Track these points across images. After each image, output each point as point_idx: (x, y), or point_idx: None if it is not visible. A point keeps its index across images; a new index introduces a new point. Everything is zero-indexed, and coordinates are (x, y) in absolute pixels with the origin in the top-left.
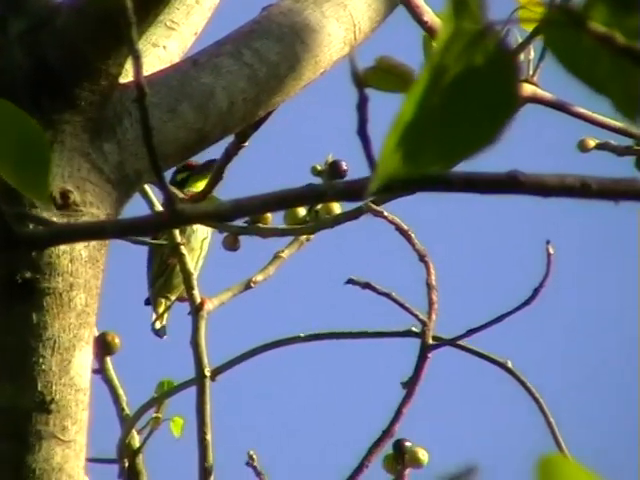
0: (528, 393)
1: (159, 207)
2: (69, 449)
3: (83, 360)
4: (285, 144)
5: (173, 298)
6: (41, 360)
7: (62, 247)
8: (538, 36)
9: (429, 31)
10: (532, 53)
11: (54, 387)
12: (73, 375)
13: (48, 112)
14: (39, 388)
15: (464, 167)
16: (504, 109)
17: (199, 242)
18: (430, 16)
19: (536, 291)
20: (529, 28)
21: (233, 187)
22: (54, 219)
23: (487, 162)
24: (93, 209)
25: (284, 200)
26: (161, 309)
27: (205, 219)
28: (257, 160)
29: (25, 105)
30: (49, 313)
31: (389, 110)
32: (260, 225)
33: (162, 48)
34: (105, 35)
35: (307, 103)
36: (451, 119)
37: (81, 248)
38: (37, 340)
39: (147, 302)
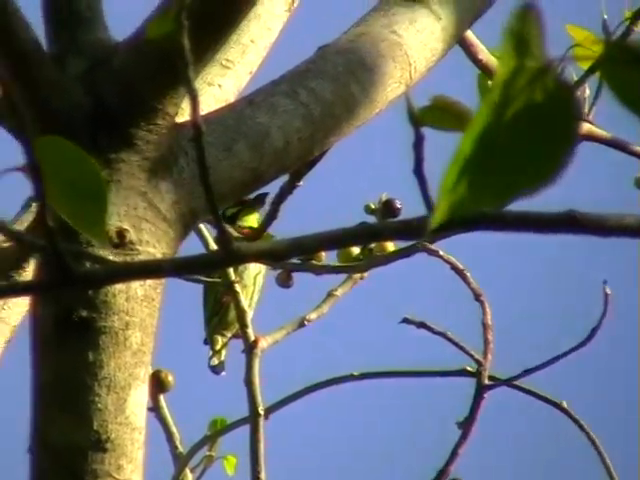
0: (584, 433)
1: (213, 245)
2: None
3: (138, 399)
4: (339, 182)
5: (229, 335)
6: (97, 399)
7: (118, 286)
8: (594, 74)
9: (484, 69)
10: (587, 91)
11: (110, 426)
12: (129, 414)
13: (105, 151)
14: (95, 427)
15: (522, 203)
16: (563, 145)
17: (252, 278)
18: (485, 54)
19: (593, 331)
20: (585, 66)
21: (288, 225)
22: (110, 257)
23: (544, 199)
24: (149, 248)
25: (339, 239)
26: (218, 346)
27: (260, 258)
28: (311, 198)
29: (83, 144)
30: (105, 352)
31: (445, 149)
32: (313, 262)
33: (217, 87)
34: (162, 74)
35: (362, 141)
36: (511, 155)
37: (137, 287)
38: (93, 378)
39: (206, 342)
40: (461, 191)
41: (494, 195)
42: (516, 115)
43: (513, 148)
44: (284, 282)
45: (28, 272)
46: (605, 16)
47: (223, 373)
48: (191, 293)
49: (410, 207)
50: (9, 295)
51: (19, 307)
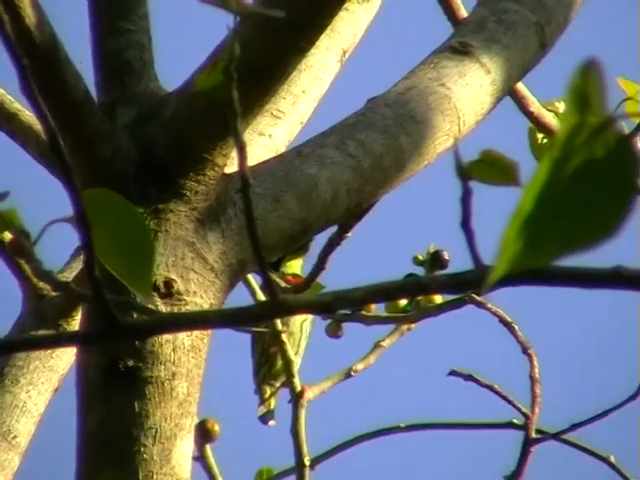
0: None
1: (260, 294)
2: None
3: (184, 449)
4: (387, 233)
5: (277, 385)
6: (142, 449)
7: (165, 336)
8: None
9: (535, 122)
10: (639, 145)
11: (155, 476)
12: (174, 464)
13: (154, 201)
14: (140, 477)
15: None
16: (622, 201)
17: (298, 325)
18: (536, 107)
19: None
20: (636, 120)
21: (336, 276)
22: (157, 308)
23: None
24: (196, 298)
25: (386, 292)
26: (266, 396)
27: (307, 310)
28: (360, 249)
29: (131, 194)
30: (151, 402)
31: (491, 203)
32: (364, 313)
33: (268, 137)
34: (212, 125)
35: (411, 194)
36: (570, 210)
37: (184, 337)
38: (139, 429)
39: (256, 392)
40: (522, 245)
41: (555, 250)
42: (576, 170)
43: (573, 203)
44: (334, 333)
45: (76, 320)
46: None
47: (272, 422)
48: (241, 341)
49: (458, 259)
50: (56, 345)
51: (67, 355)
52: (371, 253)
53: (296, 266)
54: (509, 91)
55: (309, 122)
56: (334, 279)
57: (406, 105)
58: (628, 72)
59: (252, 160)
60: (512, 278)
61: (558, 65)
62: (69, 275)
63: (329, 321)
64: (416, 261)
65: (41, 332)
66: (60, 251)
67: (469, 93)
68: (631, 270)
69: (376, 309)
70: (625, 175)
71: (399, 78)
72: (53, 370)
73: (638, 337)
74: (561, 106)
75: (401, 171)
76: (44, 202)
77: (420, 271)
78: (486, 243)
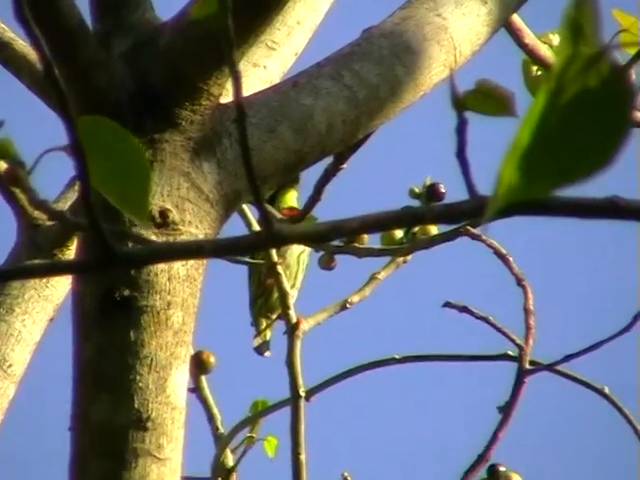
0: (625, 419)
1: (256, 226)
2: (165, 467)
3: (179, 378)
4: (383, 166)
5: (274, 317)
6: (138, 378)
7: (160, 265)
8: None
9: (530, 54)
10: (633, 77)
11: (150, 405)
12: (169, 393)
13: (149, 131)
14: (136, 405)
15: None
16: (617, 132)
17: (295, 258)
18: (531, 39)
19: (635, 317)
20: (631, 52)
21: (331, 208)
22: (153, 238)
23: (588, 185)
24: (192, 228)
25: (382, 222)
26: (262, 328)
27: (303, 240)
28: (355, 181)
29: (127, 123)
30: (146, 331)
31: (487, 134)
32: (356, 245)
33: (263, 68)
34: (207, 55)
35: (406, 125)
36: (565, 142)
37: (179, 266)
38: (134, 358)
39: (252, 324)
40: (517, 178)
41: (552, 181)
42: (570, 102)
43: (567, 135)
44: (327, 265)
45: (71, 250)
46: None
47: (267, 354)
48: (236, 274)
49: (456, 192)
50: (51, 274)
51: (62, 285)
52: (366, 186)
53: (291, 199)
54: (505, 22)
55: (303, 53)
56: (329, 211)
57: (402, 35)
58: (624, 5)
59: (247, 91)
60: (508, 209)
61: None
62: (64, 205)
63: (322, 253)
64: (412, 194)
65: (36, 261)
66: (55, 181)
67: (466, 23)
68: (627, 200)
69: (369, 241)
70: (619, 106)
71: (395, 8)
72: (48, 300)
73: (638, 268)
74: (555, 38)
75: (397, 102)
76: (39, 132)
77: (416, 204)
78: (482, 175)
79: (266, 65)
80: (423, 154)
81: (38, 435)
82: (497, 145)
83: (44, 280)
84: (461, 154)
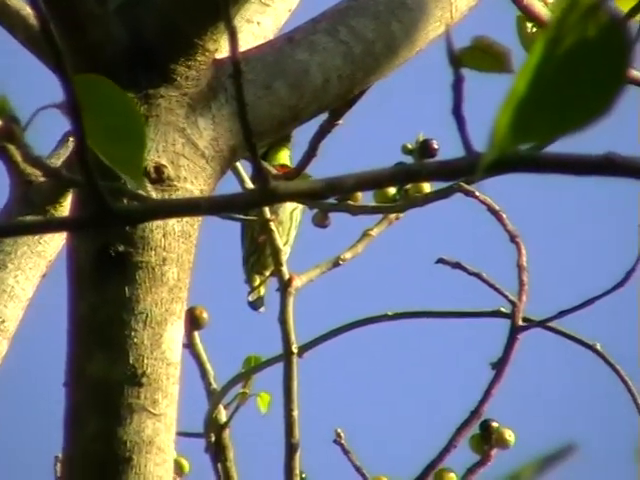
0: (617, 376)
1: (249, 184)
2: (160, 422)
3: (174, 334)
4: (378, 122)
5: (267, 274)
6: (133, 333)
7: (155, 222)
8: (635, 16)
9: (525, 11)
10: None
11: (145, 360)
12: (164, 349)
13: (144, 86)
14: (131, 361)
15: (561, 146)
16: (614, 82)
17: (288, 214)
18: None
19: (628, 274)
20: (625, 7)
21: (326, 164)
22: (148, 194)
23: (584, 143)
24: (187, 184)
25: (378, 179)
26: (255, 285)
27: (298, 197)
28: (350, 138)
29: (121, 79)
30: (141, 287)
31: (483, 90)
32: (350, 202)
33: (256, 24)
34: (202, 10)
35: (401, 81)
36: (564, 91)
37: (174, 223)
38: (129, 313)
39: (246, 281)
40: (512, 130)
41: (548, 131)
42: (567, 52)
43: (564, 85)
44: (321, 222)
45: (64, 207)
46: None
47: (262, 309)
48: (229, 230)
49: (447, 148)
50: (46, 231)
51: (55, 241)
52: (361, 142)
53: (283, 157)
54: None
55: (298, 10)
56: (323, 169)
57: None
58: None
59: (241, 47)
60: (502, 165)
61: None
62: (56, 162)
63: (315, 211)
64: (405, 150)
65: (29, 218)
66: (46, 138)
67: None
68: (623, 157)
69: (363, 199)
70: (617, 56)
71: None
72: (41, 256)
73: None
74: None
75: (393, 57)
76: (33, 88)
77: (409, 160)
78: (478, 132)
79: (260, 21)
80: (418, 110)
81: (32, 391)
82: (493, 102)
83: (37, 236)
84: (457, 111)
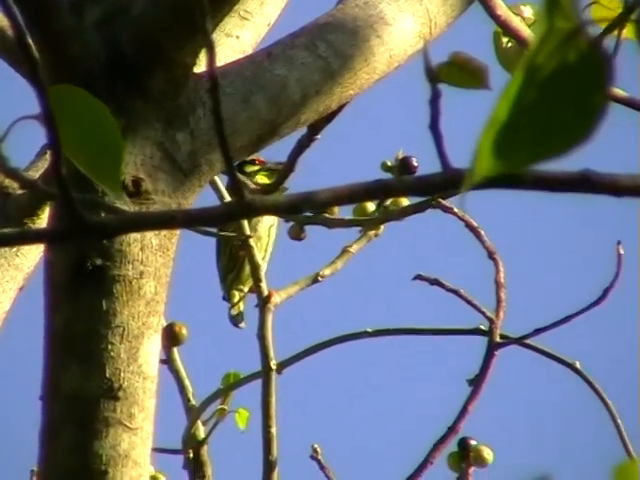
0: (596, 394)
1: (228, 198)
2: (136, 436)
3: (151, 348)
4: (357, 138)
5: (246, 290)
6: (110, 347)
7: (133, 235)
8: (612, 33)
9: (502, 26)
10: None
11: (122, 374)
12: (141, 363)
13: (122, 100)
14: (107, 375)
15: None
16: (595, 107)
17: (266, 230)
18: (504, 10)
19: (606, 291)
20: (603, 25)
21: (304, 179)
22: (125, 207)
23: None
24: (165, 198)
25: (354, 193)
26: (235, 300)
27: (274, 211)
28: (328, 153)
29: (100, 92)
30: (118, 300)
31: (461, 106)
32: (327, 216)
33: (235, 38)
34: (180, 24)
35: (380, 97)
36: (545, 117)
37: (152, 236)
38: (106, 327)
39: (224, 298)
40: (495, 153)
41: (529, 156)
42: (548, 77)
43: (545, 110)
44: (296, 235)
45: (42, 219)
46: None
47: (242, 325)
48: (207, 246)
49: (429, 165)
50: (22, 243)
51: (32, 254)
52: (340, 158)
53: (269, 180)
54: None
55: (277, 24)
56: (301, 183)
57: (377, 6)
58: None
59: (220, 61)
60: (483, 183)
61: None
62: (34, 174)
63: (291, 224)
64: (384, 167)
65: (5, 230)
66: (25, 150)
67: None
68: (599, 174)
69: (340, 212)
70: (597, 82)
71: None
72: (18, 269)
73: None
74: (526, 9)
75: (371, 73)
76: (10, 100)
77: (389, 177)
78: (454, 147)
79: (239, 35)
80: (396, 126)
81: (8, 404)
82: (470, 118)
83: (14, 249)
84: (434, 126)
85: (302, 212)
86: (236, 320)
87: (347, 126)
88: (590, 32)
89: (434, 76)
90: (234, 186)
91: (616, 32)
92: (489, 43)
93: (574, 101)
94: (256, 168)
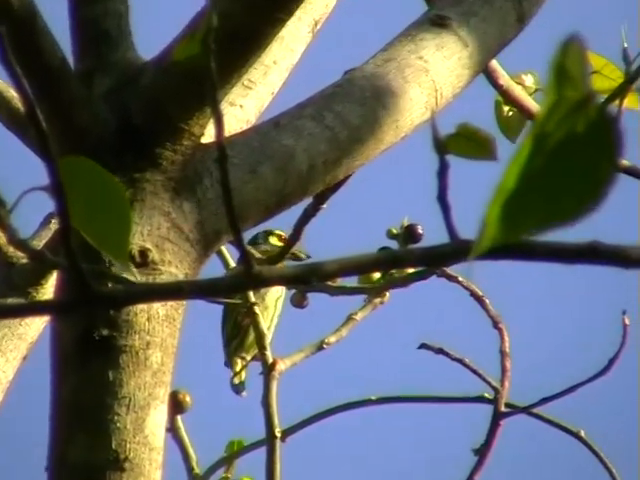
0: (601, 463)
1: (232, 264)
2: None
3: (158, 419)
4: (362, 206)
5: (249, 358)
6: (116, 418)
7: (140, 305)
8: (613, 102)
9: (504, 95)
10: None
11: (128, 445)
12: (147, 434)
13: (130, 170)
14: (113, 446)
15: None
16: (604, 177)
17: (273, 301)
18: (506, 80)
19: (611, 361)
20: (604, 94)
21: (310, 248)
22: (132, 277)
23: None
24: (172, 268)
25: (362, 265)
26: (238, 368)
27: (282, 282)
28: (334, 221)
29: (108, 162)
30: (125, 371)
31: (467, 176)
32: (329, 284)
33: (239, 107)
34: (189, 95)
35: (386, 166)
36: (553, 185)
37: (159, 307)
38: (112, 397)
39: (226, 364)
40: (503, 222)
41: (538, 224)
42: (556, 146)
43: (555, 179)
44: (299, 303)
45: (46, 288)
46: (625, 44)
47: (244, 393)
48: (211, 313)
49: (432, 234)
50: (31, 314)
51: (36, 324)
52: (346, 226)
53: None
54: (486, 65)
55: (281, 94)
56: (308, 250)
57: (384, 77)
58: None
59: (225, 131)
60: (491, 252)
61: (527, 38)
62: (38, 243)
63: (294, 291)
64: (390, 234)
65: (10, 300)
66: (28, 219)
67: (447, 66)
68: (606, 245)
69: (342, 280)
70: (606, 150)
71: (372, 49)
72: (22, 338)
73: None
74: (527, 78)
75: (378, 143)
76: (18, 170)
77: (393, 245)
78: (461, 217)
79: (242, 104)
80: (402, 195)
81: (13, 476)
82: (477, 187)
83: (18, 319)
84: (442, 197)
85: (309, 283)
86: (238, 389)
87: (352, 193)
88: (599, 102)
89: (442, 147)
90: (242, 257)
91: (617, 102)
92: (490, 109)
93: (583, 169)
94: (279, 244)
